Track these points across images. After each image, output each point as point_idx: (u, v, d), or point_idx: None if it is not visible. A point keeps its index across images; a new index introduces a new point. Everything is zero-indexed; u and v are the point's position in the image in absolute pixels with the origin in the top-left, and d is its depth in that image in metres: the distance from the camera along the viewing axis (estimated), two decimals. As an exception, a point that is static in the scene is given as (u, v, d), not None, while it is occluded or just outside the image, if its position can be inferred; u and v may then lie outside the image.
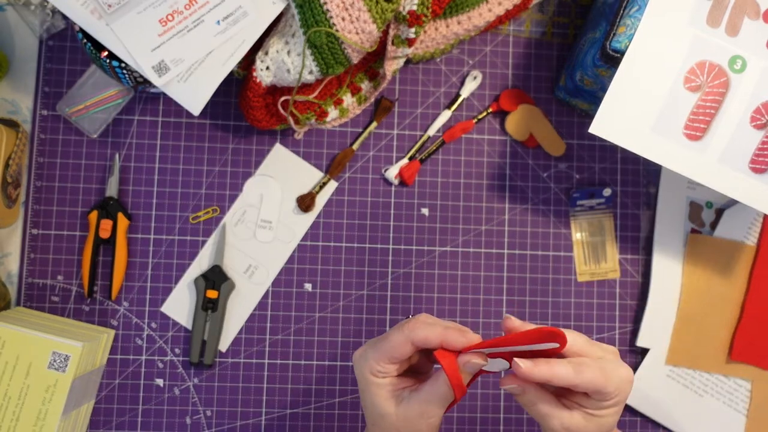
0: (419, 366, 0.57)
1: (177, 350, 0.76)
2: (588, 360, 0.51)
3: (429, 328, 0.52)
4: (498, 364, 0.53)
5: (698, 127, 0.66)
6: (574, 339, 0.52)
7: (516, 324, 0.52)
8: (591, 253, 0.80)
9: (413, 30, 0.68)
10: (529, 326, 0.51)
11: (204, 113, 0.78)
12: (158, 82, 0.65)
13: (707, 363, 0.79)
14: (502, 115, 0.81)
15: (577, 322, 0.80)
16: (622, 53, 0.65)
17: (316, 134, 0.79)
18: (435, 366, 0.57)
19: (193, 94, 0.67)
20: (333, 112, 0.76)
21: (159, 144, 0.77)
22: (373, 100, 0.78)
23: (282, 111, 0.72)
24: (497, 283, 0.79)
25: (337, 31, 0.65)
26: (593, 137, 0.81)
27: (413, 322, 0.53)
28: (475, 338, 0.52)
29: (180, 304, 0.76)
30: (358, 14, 0.65)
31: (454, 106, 0.80)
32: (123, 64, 0.65)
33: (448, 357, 0.53)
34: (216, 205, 0.77)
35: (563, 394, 0.54)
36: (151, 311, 0.76)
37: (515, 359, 0.50)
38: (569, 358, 0.51)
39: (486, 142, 0.80)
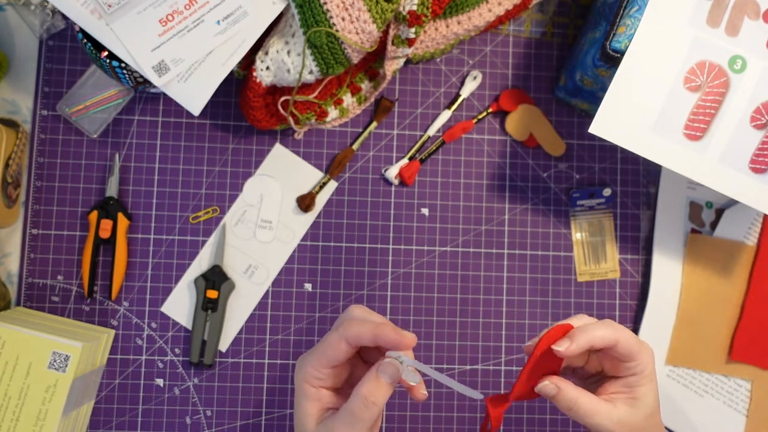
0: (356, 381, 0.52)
1: (177, 350, 0.76)
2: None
3: (361, 325, 0.49)
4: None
5: (698, 127, 0.66)
6: (584, 319, 0.52)
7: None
8: (591, 253, 0.80)
9: (413, 30, 0.68)
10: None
11: (204, 113, 0.78)
12: (158, 82, 0.65)
13: (707, 363, 0.79)
14: (502, 115, 0.81)
15: (577, 322, 0.80)
16: (622, 53, 0.65)
17: (316, 134, 0.79)
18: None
19: (193, 94, 0.67)
20: (333, 112, 0.76)
21: (159, 144, 0.77)
22: (373, 100, 0.78)
23: (282, 111, 0.72)
24: (497, 283, 0.79)
25: (337, 31, 0.65)
26: (593, 137, 0.81)
27: (346, 321, 0.50)
28: (409, 336, 0.48)
29: (180, 304, 0.76)
30: (358, 14, 0.65)
31: (454, 106, 0.80)
32: (123, 64, 0.65)
33: (498, 404, 0.51)
34: (216, 205, 0.77)
35: (594, 390, 0.53)
36: (151, 311, 0.76)
37: (552, 346, 0.48)
38: (600, 320, 0.51)
39: (486, 142, 0.80)
